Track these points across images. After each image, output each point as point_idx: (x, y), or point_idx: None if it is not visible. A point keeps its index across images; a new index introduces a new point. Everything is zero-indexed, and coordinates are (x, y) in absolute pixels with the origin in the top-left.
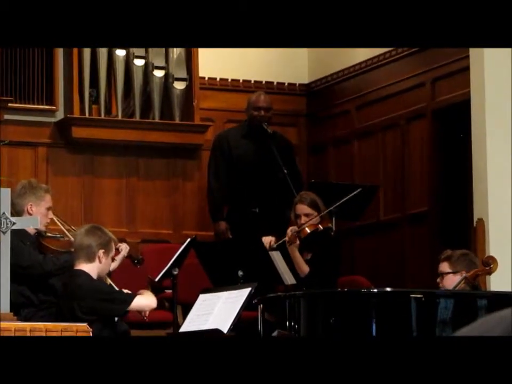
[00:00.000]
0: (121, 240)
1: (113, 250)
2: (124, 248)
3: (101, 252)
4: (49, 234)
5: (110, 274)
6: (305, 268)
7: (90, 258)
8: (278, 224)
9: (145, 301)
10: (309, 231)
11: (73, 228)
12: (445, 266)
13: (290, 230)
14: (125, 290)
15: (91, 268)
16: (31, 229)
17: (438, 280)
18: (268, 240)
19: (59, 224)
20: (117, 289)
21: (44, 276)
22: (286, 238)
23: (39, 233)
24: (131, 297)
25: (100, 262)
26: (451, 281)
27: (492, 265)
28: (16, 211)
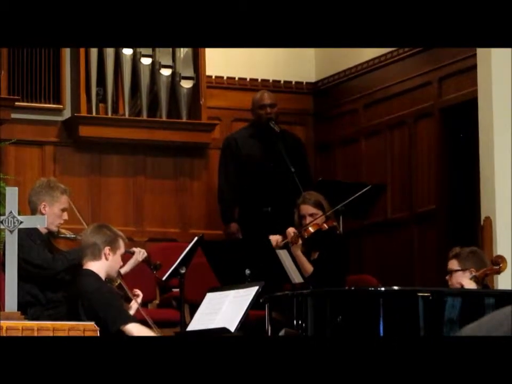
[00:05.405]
0: (128, 240)
1: (122, 248)
2: (138, 252)
3: (106, 249)
4: (62, 235)
5: (121, 276)
6: (308, 268)
7: (96, 256)
8: (291, 223)
9: (138, 331)
10: (312, 230)
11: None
12: (453, 264)
13: (289, 232)
14: (137, 290)
15: (99, 267)
16: (43, 228)
17: (447, 277)
18: (275, 239)
19: (79, 216)
20: (118, 300)
21: (54, 275)
22: (288, 239)
23: (50, 233)
24: (126, 319)
25: (107, 259)
26: (460, 278)
27: (501, 265)
28: (31, 209)
